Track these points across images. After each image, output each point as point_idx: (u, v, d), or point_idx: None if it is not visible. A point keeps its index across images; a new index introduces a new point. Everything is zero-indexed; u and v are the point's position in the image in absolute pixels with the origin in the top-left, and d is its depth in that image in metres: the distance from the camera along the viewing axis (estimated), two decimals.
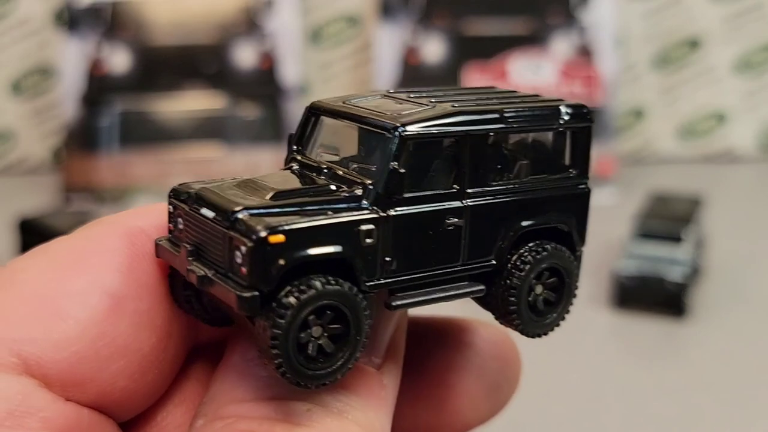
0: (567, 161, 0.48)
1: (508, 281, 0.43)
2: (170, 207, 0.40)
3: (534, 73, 1.60)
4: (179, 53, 1.66)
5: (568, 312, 0.47)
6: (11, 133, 1.78)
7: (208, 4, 1.66)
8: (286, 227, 0.35)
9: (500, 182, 0.44)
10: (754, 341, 1.11)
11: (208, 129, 1.64)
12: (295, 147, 0.45)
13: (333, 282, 0.36)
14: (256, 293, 0.34)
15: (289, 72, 1.66)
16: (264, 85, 1.66)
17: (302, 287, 0.35)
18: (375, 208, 0.38)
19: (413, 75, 1.67)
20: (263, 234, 0.34)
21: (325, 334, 0.36)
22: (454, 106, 0.42)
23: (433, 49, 1.66)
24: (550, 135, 0.47)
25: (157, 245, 0.39)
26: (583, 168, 0.48)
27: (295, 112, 1.67)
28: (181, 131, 1.63)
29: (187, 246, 0.38)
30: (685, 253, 1.20)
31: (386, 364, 0.41)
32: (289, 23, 1.66)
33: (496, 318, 0.45)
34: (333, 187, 0.39)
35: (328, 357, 0.36)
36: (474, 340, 0.48)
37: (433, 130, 0.41)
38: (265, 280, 0.34)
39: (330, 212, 0.37)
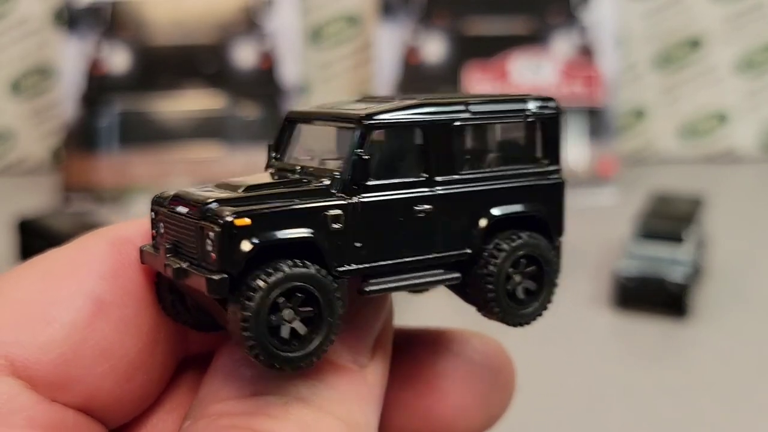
0: (538, 153, 0.49)
1: (484, 270, 0.44)
2: (152, 213, 0.42)
3: (534, 73, 1.60)
4: (179, 53, 1.67)
5: (549, 302, 0.48)
6: (11, 133, 1.78)
7: (207, 4, 1.67)
8: (253, 212, 0.37)
9: (470, 172, 0.45)
10: (755, 341, 1.11)
11: (208, 129, 1.64)
12: (273, 154, 0.46)
13: (300, 264, 0.37)
14: (225, 276, 0.36)
15: (289, 72, 1.66)
16: (264, 85, 1.66)
17: (269, 270, 0.37)
18: (342, 195, 0.40)
19: (413, 75, 1.67)
20: (229, 218, 0.36)
21: (297, 318, 0.37)
22: (420, 100, 0.44)
23: (434, 49, 1.66)
24: (520, 127, 0.48)
25: (141, 251, 0.41)
26: (554, 158, 0.49)
27: None
28: (180, 131, 1.64)
29: (166, 245, 0.39)
30: (687, 253, 1.20)
31: (372, 361, 0.41)
32: (289, 23, 1.66)
33: (478, 310, 0.46)
34: (304, 180, 0.41)
35: (302, 340, 0.37)
36: (465, 349, 0.49)
37: (397, 117, 0.43)
38: (233, 263, 0.36)
39: (297, 200, 0.38)
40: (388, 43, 1.66)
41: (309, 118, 0.45)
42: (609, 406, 0.98)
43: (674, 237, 1.21)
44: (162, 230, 0.40)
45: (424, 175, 0.43)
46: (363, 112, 0.41)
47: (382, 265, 0.41)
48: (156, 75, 1.65)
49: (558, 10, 1.65)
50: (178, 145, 1.63)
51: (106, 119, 1.65)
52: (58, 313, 0.36)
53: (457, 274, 0.44)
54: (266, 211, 0.37)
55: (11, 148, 1.76)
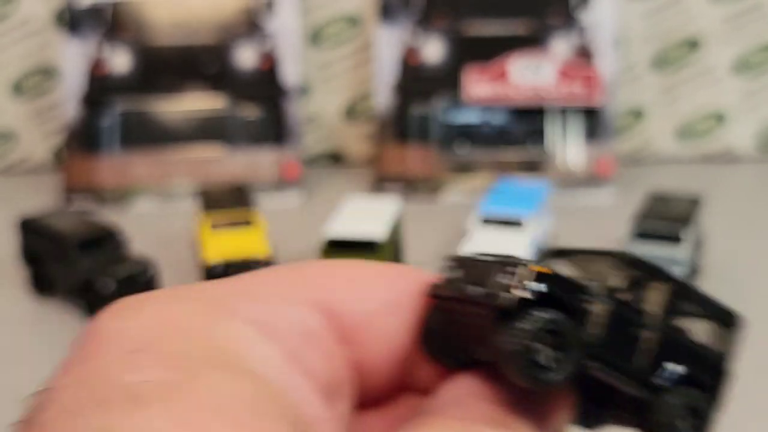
0: None
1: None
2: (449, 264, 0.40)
3: (534, 74, 1.61)
4: (180, 54, 1.67)
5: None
6: (12, 134, 1.79)
7: (208, 5, 1.68)
8: (552, 268, 0.40)
9: None
10: (751, 340, 1.12)
11: (209, 129, 1.64)
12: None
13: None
14: (521, 297, 0.38)
15: (290, 73, 1.67)
16: (265, 85, 1.67)
17: (542, 310, 0.39)
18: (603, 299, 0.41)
19: (413, 76, 1.68)
20: (536, 266, 0.38)
21: (552, 348, 0.39)
22: None
23: (433, 51, 1.67)
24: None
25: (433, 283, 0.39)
26: None
27: (295, 112, 1.68)
28: (181, 132, 1.65)
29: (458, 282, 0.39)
30: (684, 253, 1.21)
31: None
32: (290, 24, 1.67)
33: None
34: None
35: (555, 363, 0.39)
36: None
37: None
38: (526, 294, 0.38)
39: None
40: (388, 44, 1.67)
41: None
42: None
43: (672, 237, 1.22)
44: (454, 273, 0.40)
45: None
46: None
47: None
48: (157, 76, 1.66)
49: (557, 12, 1.66)
50: (180, 146, 1.64)
51: (107, 120, 1.66)
52: (379, 291, 0.35)
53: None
54: (561, 274, 0.40)
55: (13, 148, 1.77)
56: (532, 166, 1.62)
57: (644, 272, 0.47)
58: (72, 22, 1.68)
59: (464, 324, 0.40)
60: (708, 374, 0.50)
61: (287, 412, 0.28)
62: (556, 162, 1.62)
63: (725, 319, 0.50)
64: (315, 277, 0.34)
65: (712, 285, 1.28)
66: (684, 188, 1.47)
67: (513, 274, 0.38)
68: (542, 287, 0.39)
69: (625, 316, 0.46)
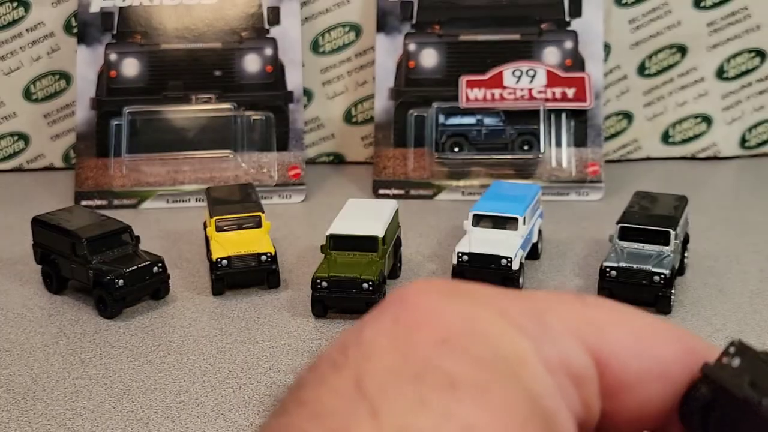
0: None
1: None
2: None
3: (526, 79, 1.64)
4: (188, 58, 1.68)
5: None
6: (24, 136, 1.81)
7: (215, 10, 1.69)
8: None
9: None
10: (737, 335, 1.16)
11: (216, 133, 1.65)
12: None
13: None
14: None
15: (294, 77, 1.69)
16: (270, 90, 1.68)
17: None
18: None
19: (411, 83, 1.70)
20: None
21: None
22: None
23: (430, 57, 1.69)
24: None
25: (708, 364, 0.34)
26: None
27: (298, 116, 1.70)
28: (189, 135, 1.65)
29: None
30: (671, 250, 1.23)
31: None
32: (294, 29, 1.69)
33: None
34: None
35: None
36: None
37: None
38: None
39: None
40: (386, 51, 1.70)
41: None
42: None
43: (659, 234, 1.25)
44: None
45: None
46: None
47: None
48: (166, 80, 1.67)
49: (550, 19, 1.68)
50: (188, 149, 1.64)
51: (117, 123, 1.67)
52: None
53: None
54: None
55: (25, 149, 1.80)
56: (524, 168, 1.65)
57: None
58: (82, 26, 1.70)
59: (730, 419, 0.34)
60: None
61: None
62: (548, 164, 1.65)
63: None
64: (597, 318, 0.33)
65: (698, 281, 1.32)
66: (671, 187, 1.50)
67: None
68: None
69: None
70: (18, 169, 1.82)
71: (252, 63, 1.68)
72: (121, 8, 1.68)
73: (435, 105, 1.66)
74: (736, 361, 0.34)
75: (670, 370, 0.32)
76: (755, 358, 0.32)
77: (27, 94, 1.78)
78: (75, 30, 1.72)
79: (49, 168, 1.82)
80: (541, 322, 0.29)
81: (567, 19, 1.67)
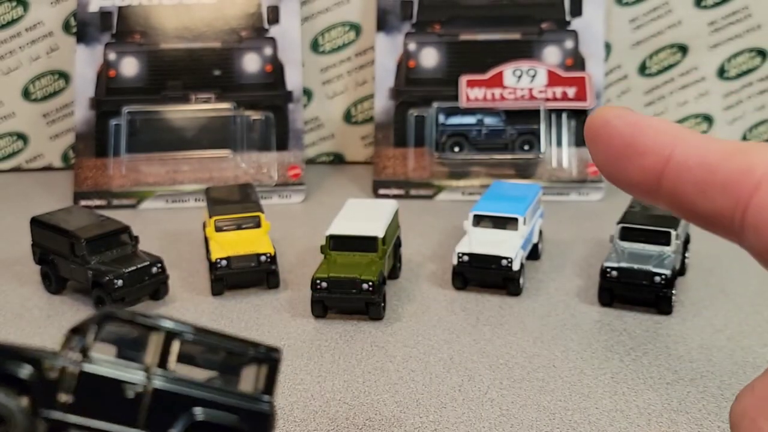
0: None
1: None
2: None
3: (527, 80, 1.64)
4: (187, 58, 1.68)
5: None
6: (23, 136, 1.81)
7: (214, 10, 1.69)
8: None
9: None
10: (737, 335, 1.15)
11: (215, 133, 1.64)
12: None
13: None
14: None
15: (294, 76, 1.69)
16: (270, 89, 1.68)
17: None
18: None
19: (411, 83, 1.70)
20: None
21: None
22: None
23: (431, 57, 1.69)
24: None
25: None
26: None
27: (299, 117, 1.70)
28: (188, 135, 1.65)
29: None
30: (672, 250, 1.23)
31: None
32: (293, 29, 1.69)
33: None
34: None
35: None
36: None
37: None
38: None
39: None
40: (386, 50, 1.70)
41: None
42: (595, 400, 1.03)
43: (660, 234, 1.24)
44: None
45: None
46: None
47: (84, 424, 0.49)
48: (165, 79, 1.67)
49: (550, 18, 1.68)
50: (187, 149, 1.64)
51: (115, 123, 1.67)
52: None
53: None
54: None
55: (24, 149, 1.79)
56: (524, 168, 1.65)
57: (141, 327, 0.48)
58: (81, 26, 1.70)
59: None
60: (238, 415, 0.50)
61: None
62: (548, 164, 1.65)
63: (261, 356, 0.50)
64: None
65: (699, 280, 1.32)
66: None
67: None
68: None
69: (98, 376, 0.47)
70: (17, 169, 1.82)
71: (251, 62, 1.69)
72: (120, 8, 1.68)
73: (435, 105, 1.66)
74: None
75: None
76: None
77: (26, 94, 1.78)
78: (74, 29, 1.72)
79: (48, 168, 1.83)
80: None
81: (567, 18, 1.68)
